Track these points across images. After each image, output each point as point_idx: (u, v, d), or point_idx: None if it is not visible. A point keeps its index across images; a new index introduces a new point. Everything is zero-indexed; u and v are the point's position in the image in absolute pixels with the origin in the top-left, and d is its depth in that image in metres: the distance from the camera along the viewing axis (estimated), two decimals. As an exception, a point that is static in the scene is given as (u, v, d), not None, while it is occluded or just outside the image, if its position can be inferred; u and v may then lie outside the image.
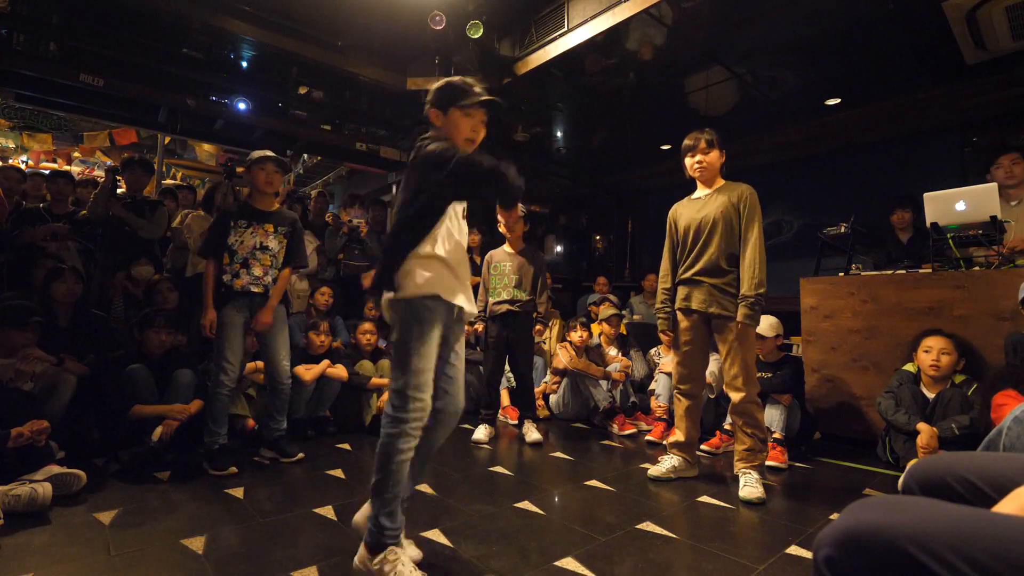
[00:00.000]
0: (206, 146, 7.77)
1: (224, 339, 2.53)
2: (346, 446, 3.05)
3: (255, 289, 2.60)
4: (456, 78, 1.67)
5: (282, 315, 2.72)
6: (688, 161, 2.55)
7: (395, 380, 1.51)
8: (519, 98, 5.03)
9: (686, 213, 2.58)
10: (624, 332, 4.50)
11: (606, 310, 4.28)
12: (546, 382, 4.09)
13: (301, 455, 2.70)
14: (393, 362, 1.54)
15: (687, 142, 2.54)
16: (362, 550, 1.50)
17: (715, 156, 2.49)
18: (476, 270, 3.73)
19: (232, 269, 2.57)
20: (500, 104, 1.65)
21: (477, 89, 1.64)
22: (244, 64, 4.67)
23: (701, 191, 2.57)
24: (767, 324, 3.12)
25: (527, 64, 4.43)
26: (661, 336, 2.69)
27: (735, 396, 2.39)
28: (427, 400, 1.52)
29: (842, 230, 3.57)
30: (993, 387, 2.38)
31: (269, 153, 2.67)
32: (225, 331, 2.53)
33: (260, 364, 3.01)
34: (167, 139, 7.29)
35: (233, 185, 3.86)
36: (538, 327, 3.41)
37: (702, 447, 3.07)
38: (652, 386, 3.77)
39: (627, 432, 3.55)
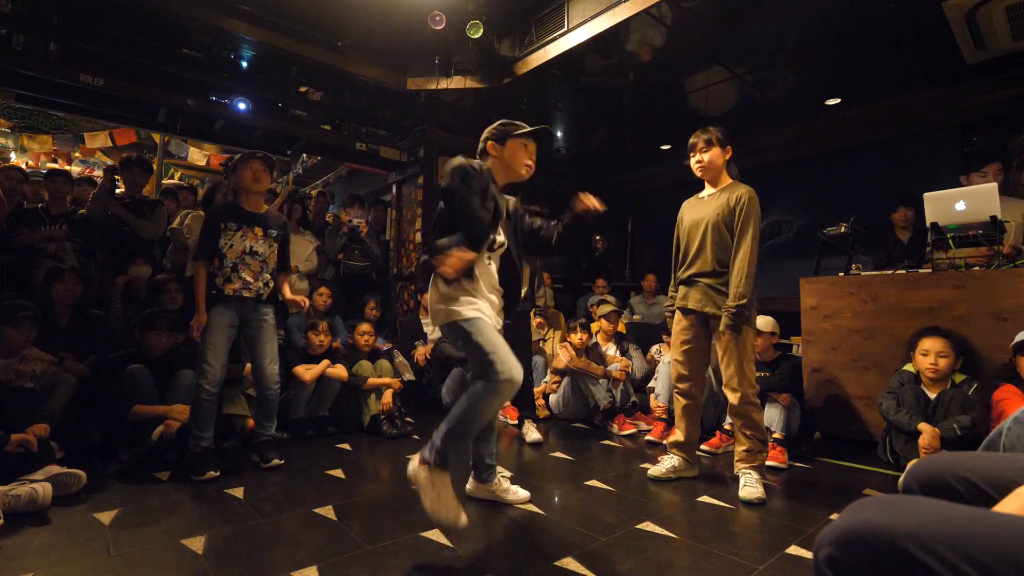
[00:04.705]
0: (205, 146, 7.76)
1: (207, 342, 2.47)
2: (346, 446, 3.05)
3: (246, 294, 2.57)
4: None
5: (271, 320, 2.66)
6: (691, 161, 2.55)
7: None
8: (519, 98, 5.03)
9: (689, 213, 2.58)
10: (623, 331, 4.51)
11: (604, 307, 4.28)
12: (546, 382, 4.09)
13: (278, 462, 2.60)
14: None
15: (690, 141, 2.54)
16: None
17: (716, 154, 2.46)
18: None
19: (223, 273, 2.53)
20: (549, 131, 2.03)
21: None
22: (244, 64, 4.66)
23: (708, 190, 2.56)
24: (762, 321, 3.11)
25: (527, 64, 4.43)
26: (665, 337, 2.69)
27: (732, 397, 2.38)
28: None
29: (842, 230, 3.56)
30: (992, 386, 2.38)
31: (255, 151, 2.65)
32: (210, 334, 2.48)
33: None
34: (167, 138, 7.28)
35: (232, 184, 3.86)
36: (539, 320, 3.40)
37: (702, 447, 3.07)
38: (652, 383, 3.76)
39: (627, 432, 3.54)
